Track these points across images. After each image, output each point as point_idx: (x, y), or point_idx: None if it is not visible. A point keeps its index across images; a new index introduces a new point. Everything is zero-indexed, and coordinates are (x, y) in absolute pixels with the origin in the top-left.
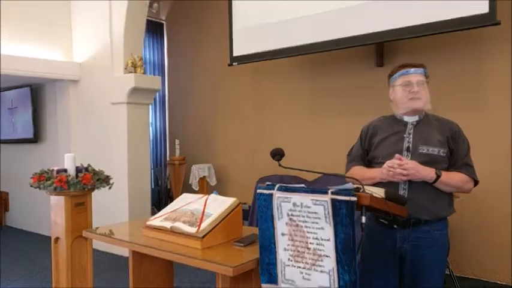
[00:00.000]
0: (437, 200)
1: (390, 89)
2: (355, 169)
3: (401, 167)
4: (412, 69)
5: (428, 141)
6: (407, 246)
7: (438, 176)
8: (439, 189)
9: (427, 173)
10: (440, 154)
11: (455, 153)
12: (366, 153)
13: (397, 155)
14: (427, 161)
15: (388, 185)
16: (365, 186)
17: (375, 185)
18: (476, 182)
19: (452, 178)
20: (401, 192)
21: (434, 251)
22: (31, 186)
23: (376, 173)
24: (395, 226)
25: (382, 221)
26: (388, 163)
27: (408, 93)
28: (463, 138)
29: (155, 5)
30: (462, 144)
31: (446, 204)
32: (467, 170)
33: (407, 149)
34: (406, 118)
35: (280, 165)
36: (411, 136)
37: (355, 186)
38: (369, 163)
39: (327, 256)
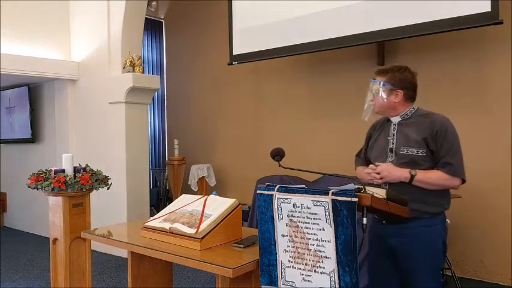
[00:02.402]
0: (419, 199)
1: None
2: (357, 169)
3: (375, 170)
4: (371, 80)
5: (408, 142)
6: (394, 241)
7: (412, 176)
8: (423, 188)
9: (400, 173)
10: (419, 154)
11: (435, 152)
12: (366, 152)
13: (371, 166)
14: (407, 161)
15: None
16: (366, 187)
17: None
18: (463, 180)
19: (430, 177)
20: None
21: (421, 246)
22: (29, 187)
23: (363, 175)
24: (383, 222)
25: (375, 216)
26: (367, 168)
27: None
28: (447, 137)
29: (154, 3)
30: (444, 143)
31: (433, 201)
32: (447, 168)
33: (391, 150)
34: (391, 119)
35: (280, 165)
36: (394, 137)
37: (356, 186)
38: (369, 162)
39: (327, 257)
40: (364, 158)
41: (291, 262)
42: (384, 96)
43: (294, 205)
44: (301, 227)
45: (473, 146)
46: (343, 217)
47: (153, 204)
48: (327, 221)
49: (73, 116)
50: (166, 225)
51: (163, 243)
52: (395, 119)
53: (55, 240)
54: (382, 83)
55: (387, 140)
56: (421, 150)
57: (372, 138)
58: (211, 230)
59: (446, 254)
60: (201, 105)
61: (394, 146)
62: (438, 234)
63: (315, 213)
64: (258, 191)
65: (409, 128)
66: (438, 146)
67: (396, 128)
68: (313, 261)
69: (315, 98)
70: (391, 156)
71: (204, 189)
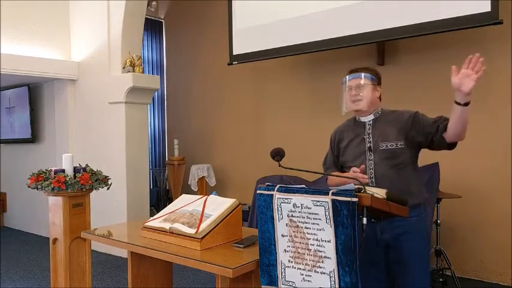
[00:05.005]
0: (405, 189)
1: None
2: (331, 177)
3: None
4: (350, 76)
5: (385, 137)
6: (387, 236)
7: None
8: (406, 179)
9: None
10: (399, 147)
11: (422, 127)
12: (337, 158)
13: (354, 169)
14: (388, 156)
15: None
16: (366, 187)
17: None
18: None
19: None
20: None
21: (413, 237)
22: (29, 186)
23: (348, 175)
24: (372, 220)
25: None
26: (353, 171)
27: (350, 96)
28: (419, 115)
29: (154, 3)
30: (423, 119)
31: (416, 191)
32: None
33: (370, 149)
34: (362, 119)
35: (280, 165)
36: (370, 136)
37: (356, 186)
38: (342, 167)
39: (327, 257)
40: (334, 165)
41: (291, 262)
42: (371, 90)
43: (294, 205)
44: (301, 227)
45: (473, 145)
46: (343, 217)
47: (153, 204)
48: (327, 221)
49: (73, 116)
50: (166, 225)
51: (163, 243)
52: (368, 118)
53: (55, 240)
54: (371, 77)
55: (363, 140)
56: (400, 143)
57: (341, 142)
58: (211, 230)
59: (446, 254)
60: (201, 105)
61: (372, 144)
62: (425, 221)
63: (315, 213)
64: (258, 191)
65: (383, 124)
66: (420, 125)
67: (371, 126)
68: (313, 261)
69: (315, 97)
70: (371, 154)
71: (204, 189)
